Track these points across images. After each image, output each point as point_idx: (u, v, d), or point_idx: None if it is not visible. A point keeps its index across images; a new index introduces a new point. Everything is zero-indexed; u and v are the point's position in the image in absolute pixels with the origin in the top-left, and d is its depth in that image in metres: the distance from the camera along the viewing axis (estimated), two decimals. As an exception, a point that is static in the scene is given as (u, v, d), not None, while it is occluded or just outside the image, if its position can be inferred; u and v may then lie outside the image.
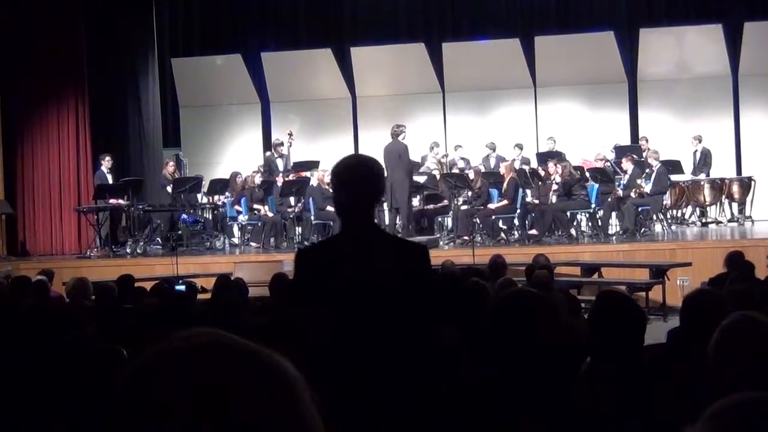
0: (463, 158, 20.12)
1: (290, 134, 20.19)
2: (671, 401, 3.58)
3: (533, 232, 17.10)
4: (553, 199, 17.26)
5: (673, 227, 18.43)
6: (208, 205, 19.26)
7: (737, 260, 9.88)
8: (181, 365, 1.13)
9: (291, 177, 19.02)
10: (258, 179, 18.96)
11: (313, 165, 19.24)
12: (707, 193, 18.93)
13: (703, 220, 19.43)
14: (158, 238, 18.86)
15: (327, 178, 18.42)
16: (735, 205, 19.39)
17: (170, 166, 19.30)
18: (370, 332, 3.87)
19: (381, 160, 17.42)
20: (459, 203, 17.78)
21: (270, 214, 18.21)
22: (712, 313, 4.77)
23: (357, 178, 4.11)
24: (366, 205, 4.10)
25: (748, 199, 19.13)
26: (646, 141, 19.82)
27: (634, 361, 3.86)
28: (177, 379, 1.12)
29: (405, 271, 4.00)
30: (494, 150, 20.25)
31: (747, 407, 1.25)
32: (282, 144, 20.01)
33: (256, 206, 18.50)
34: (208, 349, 1.15)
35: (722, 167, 19.99)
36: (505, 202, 17.36)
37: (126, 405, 1.13)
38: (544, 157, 18.98)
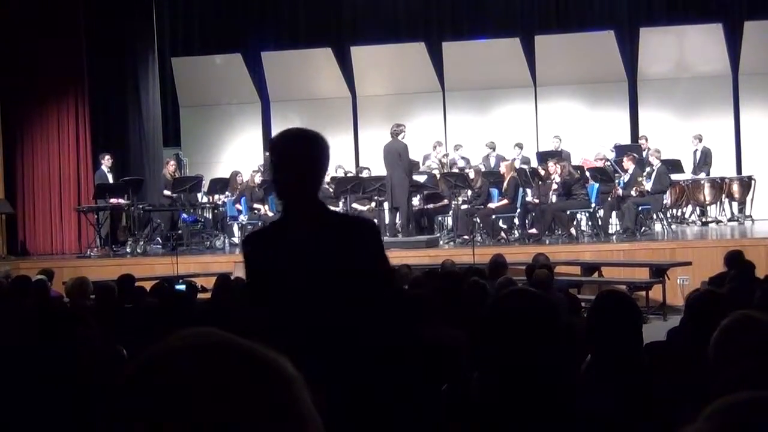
0: (463, 157, 20.13)
1: None
2: (671, 400, 3.58)
3: (533, 231, 17.10)
4: (553, 198, 17.26)
5: (673, 226, 18.42)
6: (208, 205, 19.26)
7: (736, 259, 9.88)
8: (180, 365, 1.13)
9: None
10: (258, 179, 18.96)
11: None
12: (707, 192, 18.93)
13: (703, 220, 19.43)
14: (158, 238, 18.87)
15: (327, 177, 18.42)
16: (735, 205, 19.38)
17: (171, 166, 19.29)
18: (319, 317, 3.59)
19: (381, 160, 17.52)
20: (459, 203, 17.78)
21: (270, 214, 18.21)
22: (716, 312, 4.78)
23: (295, 152, 3.79)
24: (307, 183, 3.79)
25: (748, 198, 19.13)
26: (646, 140, 19.82)
27: (633, 360, 3.86)
28: (176, 378, 1.12)
29: (354, 249, 3.67)
30: (494, 149, 20.26)
31: (747, 406, 1.25)
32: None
33: (256, 206, 18.51)
34: (207, 348, 1.16)
35: (722, 166, 19.98)
36: (505, 201, 17.35)
37: (125, 405, 1.13)
38: (544, 157, 18.98)
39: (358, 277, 3.64)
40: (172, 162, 19.43)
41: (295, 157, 3.78)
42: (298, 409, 1.15)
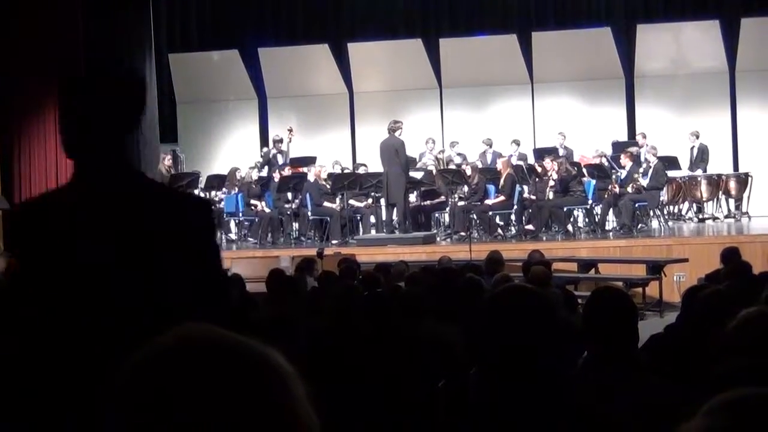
0: (459, 154, 20.12)
1: (290, 130, 20.17)
2: (668, 396, 3.58)
3: (530, 227, 17.11)
4: (550, 195, 17.28)
5: (670, 223, 18.45)
6: (205, 201, 19.18)
7: (730, 256, 9.90)
8: (174, 361, 1.13)
9: (287, 172, 18.96)
10: (255, 175, 18.94)
11: (309, 161, 19.23)
12: (704, 189, 18.93)
13: (700, 216, 19.42)
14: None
15: (324, 174, 18.41)
16: (732, 201, 19.40)
17: (166, 161, 19.20)
18: (116, 311, 2.68)
19: (378, 156, 17.50)
20: (456, 199, 17.79)
21: (267, 210, 18.20)
22: (714, 309, 4.79)
23: (91, 93, 2.81)
24: (110, 133, 2.83)
25: (745, 195, 19.15)
26: (644, 137, 19.80)
27: (629, 356, 3.86)
28: (170, 375, 1.11)
29: (169, 230, 2.75)
30: (491, 146, 20.25)
31: (747, 403, 1.24)
32: (281, 140, 19.99)
33: (253, 202, 18.49)
34: (201, 345, 1.15)
35: (719, 163, 19.98)
36: (501, 198, 17.36)
37: (121, 401, 1.12)
38: (541, 153, 18.99)
39: (171, 259, 2.74)
40: (168, 157, 19.35)
41: (92, 99, 2.79)
42: (293, 404, 1.15)
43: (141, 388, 1.12)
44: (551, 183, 17.30)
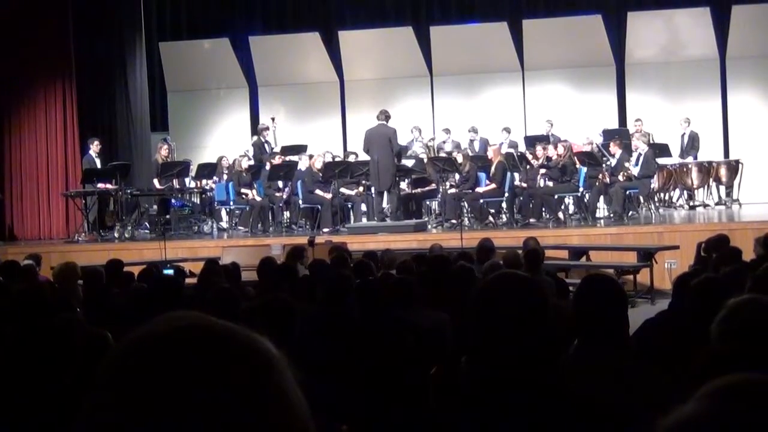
0: (453, 141, 20.10)
1: (273, 119, 20.22)
2: (659, 382, 3.59)
3: (532, 221, 17.10)
4: (542, 182, 17.29)
5: (661, 210, 18.47)
6: (195, 190, 19.20)
7: (722, 243, 9.90)
8: (162, 348, 1.13)
9: (277, 160, 18.93)
10: (245, 163, 18.92)
11: (300, 149, 19.22)
12: (695, 176, 18.96)
13: (691, 203, 19.45)
14: (146, 223, 18.84)
15: (318, 163, 18.37)
16: (722, 188, 19.44)
17: (164, 150, 19.13)
18: None
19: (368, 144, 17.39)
20: (447, 187, 17.78)
21: (258, 199, 18.17)
22: (705, 294, 4.80)
23: None
24: None
25: (736, 182, 19.18)
26: (641, 123, 19.73)
27: (620, 343, 3.86)
28: (157, 362, 1.11)
29: None
30: (477, 133, 20.23)
31: (740, 389, 1.24)
32: (267, 128, 19.99)
33: (243, 190, 18.46)
34: (188, 331, 1.15)
35: (710, 150, 20.02)
36: (492, 185, 17.36)
37: (108, 389, 1.12)
38: (532, 141, 18.99)
39: None
40: (165, 147, 19.28)
41: None
42: (280, 389, 1.14)
43: (128, 374, 1.11)
44: (542, 171, 17.34)
